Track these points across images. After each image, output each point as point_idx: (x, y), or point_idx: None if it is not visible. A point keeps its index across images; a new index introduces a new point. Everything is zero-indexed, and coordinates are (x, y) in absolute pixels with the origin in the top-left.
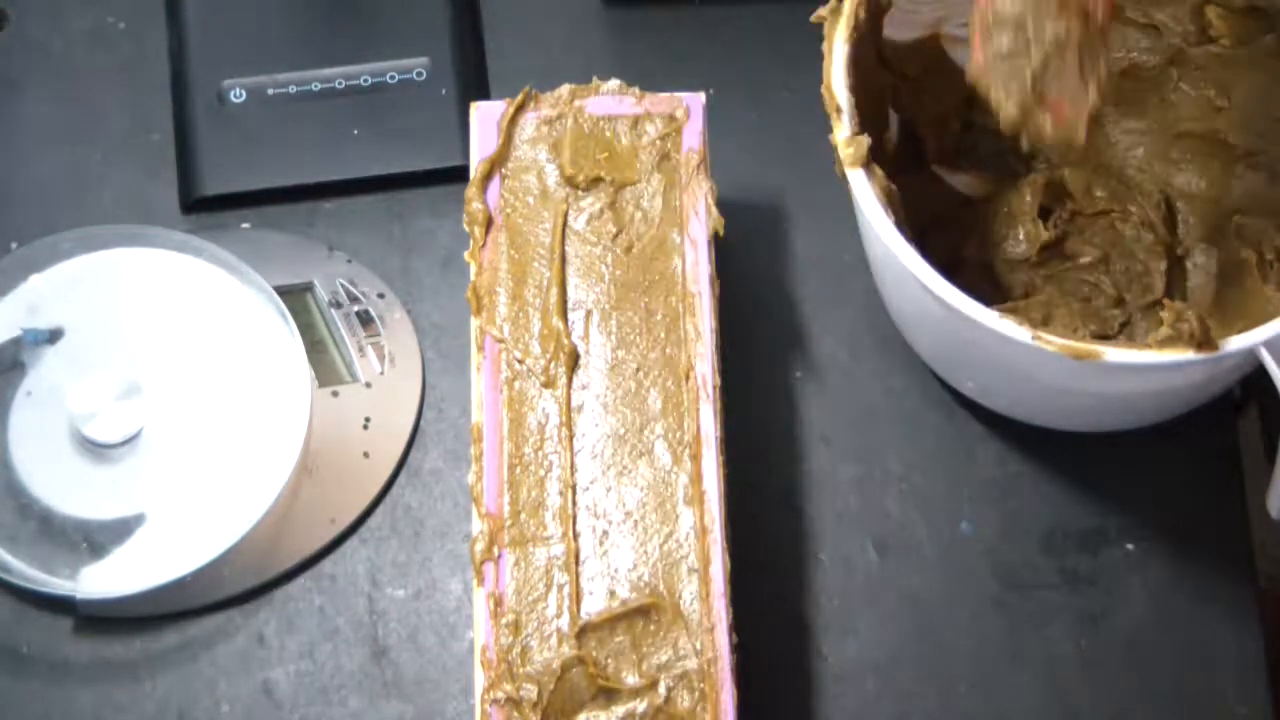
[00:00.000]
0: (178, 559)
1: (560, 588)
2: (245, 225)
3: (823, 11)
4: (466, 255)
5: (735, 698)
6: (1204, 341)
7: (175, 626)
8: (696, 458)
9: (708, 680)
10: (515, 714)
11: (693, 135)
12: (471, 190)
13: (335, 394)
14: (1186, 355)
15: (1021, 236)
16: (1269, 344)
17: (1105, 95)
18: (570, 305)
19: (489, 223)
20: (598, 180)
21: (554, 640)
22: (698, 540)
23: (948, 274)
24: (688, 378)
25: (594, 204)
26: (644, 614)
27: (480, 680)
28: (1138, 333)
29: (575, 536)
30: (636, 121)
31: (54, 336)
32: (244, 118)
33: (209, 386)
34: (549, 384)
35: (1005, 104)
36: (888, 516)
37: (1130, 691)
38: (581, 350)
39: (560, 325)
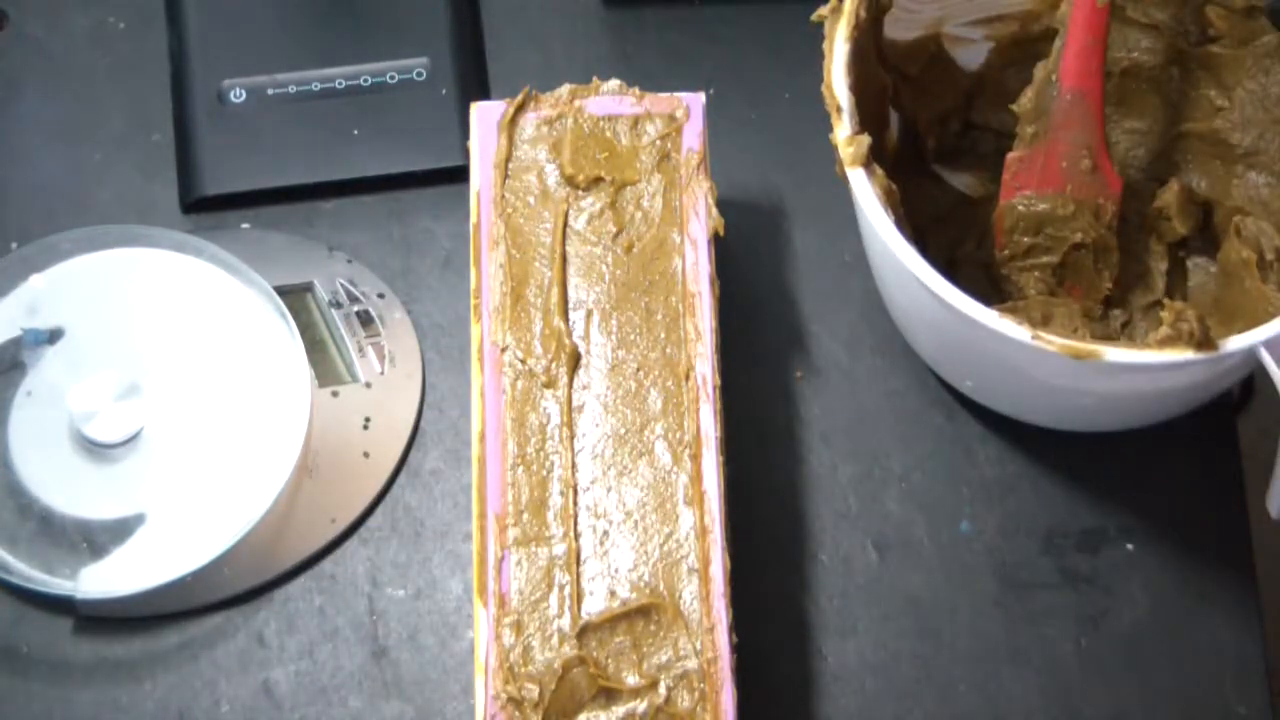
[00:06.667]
0: (178, 559)
1: (561, 588)
2: (245, 225)
3: (823, 11)
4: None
5: (735, 698)
6: (1204, 341)
7: (175, 626)
8: (696, 458)
9: (708, 680)
10: (516, 714)
11: (692, 135)
12: (472, 191)
13: (335, 394)
14: (1186, 355)
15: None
16: (1269, 344)
17: (1116, 279)
18: (571, 305)
19: (490, 223)
20: (598, 180)
21: (555, 640)
22: (698, 540)
23: (948, 274)
24: (688, 378)
25: (594, 204)
26: (644, 614)
27: (480, 680)
28: (1138, 333)
29: (576, 536)
30: (636, 121)
31: (54, 336)
32: (244, 118)
33: (209, 386)
34: (550, 384)
35: (1028, 290)
36: (888, 516)
37: (1130, 691)
38: (582, 350)
39: (561, 325)
